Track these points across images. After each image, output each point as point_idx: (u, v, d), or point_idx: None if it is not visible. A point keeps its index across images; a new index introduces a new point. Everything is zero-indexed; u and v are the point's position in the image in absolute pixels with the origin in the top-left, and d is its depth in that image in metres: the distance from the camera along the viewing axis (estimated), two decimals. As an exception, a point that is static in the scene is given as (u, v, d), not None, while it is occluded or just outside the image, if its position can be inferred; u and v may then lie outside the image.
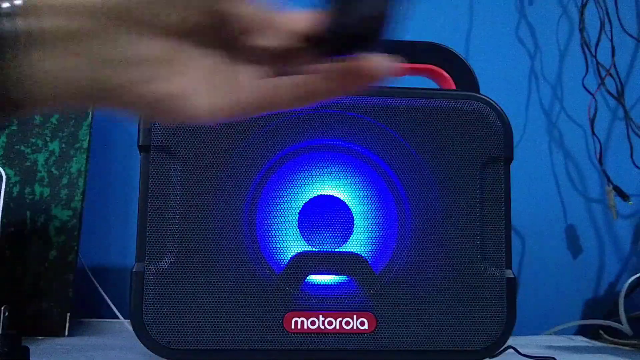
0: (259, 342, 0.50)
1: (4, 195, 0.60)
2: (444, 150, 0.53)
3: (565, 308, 0.91)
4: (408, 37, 0.86)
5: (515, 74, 0.96)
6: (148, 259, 0.50)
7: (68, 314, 0.72)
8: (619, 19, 0.94)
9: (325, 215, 0.53)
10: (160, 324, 0.49)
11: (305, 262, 0.51)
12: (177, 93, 0.23)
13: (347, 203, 0.53)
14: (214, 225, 0.50)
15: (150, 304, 0.49)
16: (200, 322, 0.49)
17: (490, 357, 0.53)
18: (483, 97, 0.55)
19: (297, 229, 0.52)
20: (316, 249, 0.52)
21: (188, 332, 0.49)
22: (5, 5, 0.21)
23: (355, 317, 0.51)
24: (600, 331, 0.81)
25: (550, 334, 0.86)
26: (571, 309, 0.91)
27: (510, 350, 0.58)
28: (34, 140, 0.76)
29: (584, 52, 0.93)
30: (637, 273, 0.82)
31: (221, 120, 0.25)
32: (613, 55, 0.91)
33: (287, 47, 0.25)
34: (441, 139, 0.53)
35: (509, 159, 0.54)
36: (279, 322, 0.50)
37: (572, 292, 0.92)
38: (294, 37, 0.25)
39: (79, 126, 0.77)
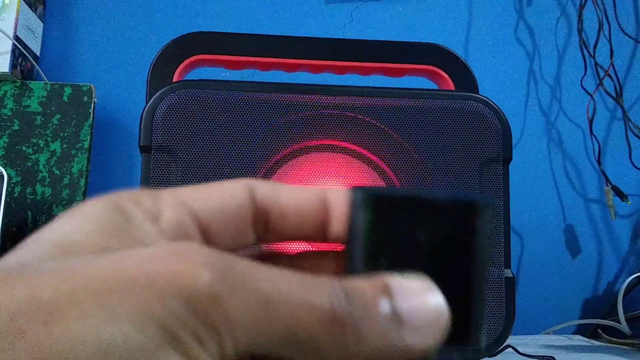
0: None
1: (6, 196, 0.61)
2: (443, 151, 0.54)
3: (564, 307, 0.92)
4: (408, 38, 0.87)
5: (514, 75, 0.96)
6: (149, 258, 0.50)
7: (69, 314, 0.72)
8: (617, 20, 0.94)
9: (325, 215, 0.53)
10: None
11: (306, 262, 0.51)
12: None
13: (347, 203, 0.53)
14: (215, 225, 0.51)
15: (151, 303, 0.49)
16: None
17: (489, 357, 0.53)
18: (482, 97, 0.55)
19: (298, 229, 0.52)
20: (316, 249, 0.52)
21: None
22: None
23: (355, 316, 0.51)
24: (599, 330, 0.81)
25: (549, 333, 0.87)
26: (570, 309, 0.92)
27: (509, 349, 0.58)
28: (35, 141, 0.76)
29: (582, 53, 0.93)
30: (635, 273, 0.83)
31: None
32: (611, 56, 0.92)
33: None
34: (440, 140, 0.54)
35: (508, 159, 0.55)
36: (279, 321, 0.50)
37: (571, 291, 0.92)
38: None
39: (80, 126, 0.77)
